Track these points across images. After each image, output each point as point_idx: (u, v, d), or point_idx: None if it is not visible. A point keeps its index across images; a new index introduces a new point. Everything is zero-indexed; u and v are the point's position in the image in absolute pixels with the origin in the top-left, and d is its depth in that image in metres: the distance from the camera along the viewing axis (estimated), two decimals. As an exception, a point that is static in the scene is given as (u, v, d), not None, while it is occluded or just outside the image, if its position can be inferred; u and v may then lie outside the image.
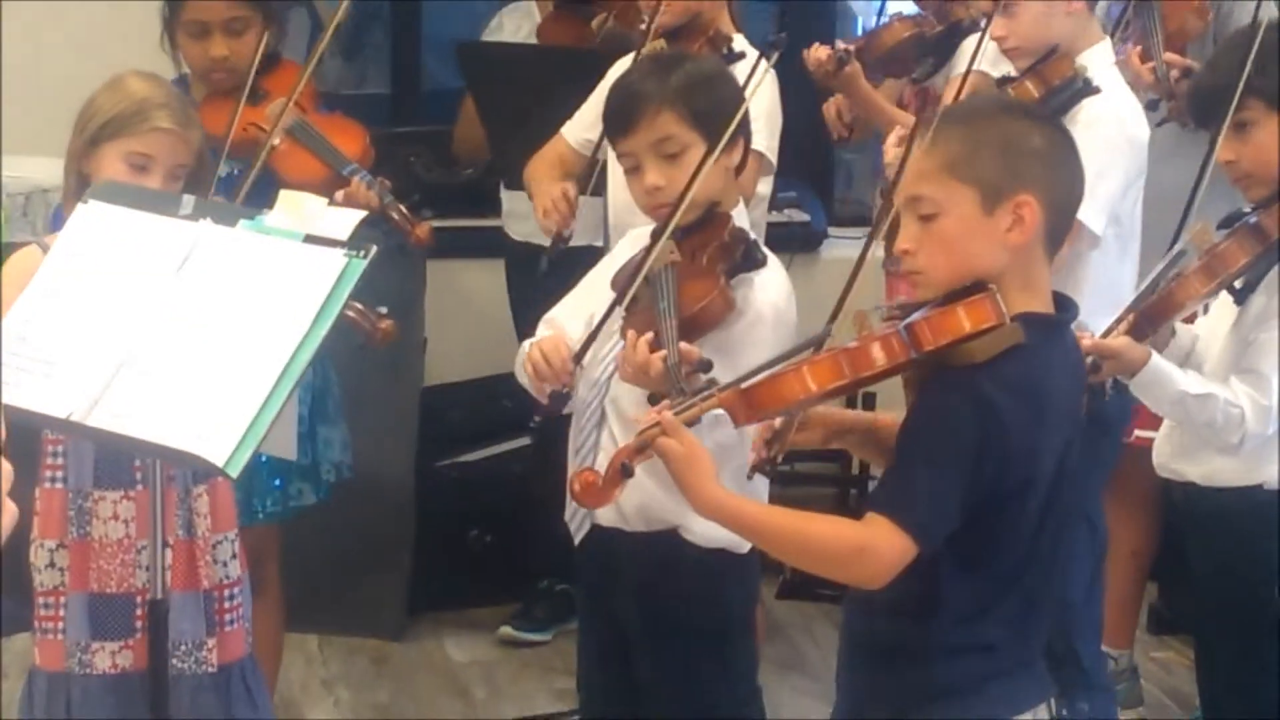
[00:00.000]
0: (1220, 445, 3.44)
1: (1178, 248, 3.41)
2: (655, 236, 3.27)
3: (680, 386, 3.02)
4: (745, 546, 3.21)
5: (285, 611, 4.22)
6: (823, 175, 6.28)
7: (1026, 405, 2.56)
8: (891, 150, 3.94)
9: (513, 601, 5.20)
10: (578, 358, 3.28)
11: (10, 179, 4.66)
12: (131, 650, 3.37)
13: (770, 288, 3.30)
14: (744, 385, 2.64)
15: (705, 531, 3.17)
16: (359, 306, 3.56)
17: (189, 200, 2.88)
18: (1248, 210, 3.44)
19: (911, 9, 4.83)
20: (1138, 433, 4.14)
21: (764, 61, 3.27)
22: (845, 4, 6.61)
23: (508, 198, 5.01)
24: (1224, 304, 3.49)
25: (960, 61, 4.37)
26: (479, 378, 5.38)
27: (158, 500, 3.01)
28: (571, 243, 4.13)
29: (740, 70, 3.54)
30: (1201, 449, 3.51)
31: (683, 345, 3.11)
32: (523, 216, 4.72)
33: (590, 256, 3.79)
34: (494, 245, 5.18)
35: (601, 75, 4.08)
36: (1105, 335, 3.34)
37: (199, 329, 2.70)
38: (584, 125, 4.18)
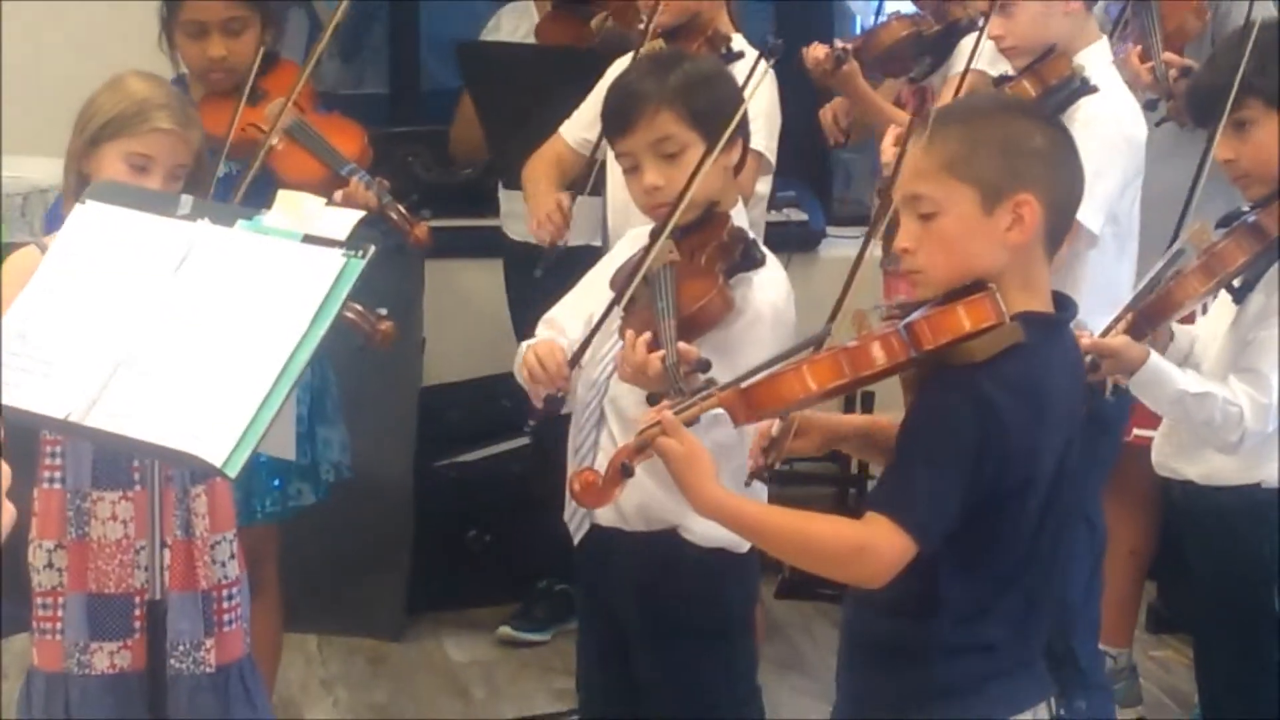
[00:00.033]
0: (1219, 444, 3.43)
1: (1176, 247, 3.41)
2: (654, 236, 3.26)
3: (679, 386, 3.01)
4: (745, 546, 3.21)
5: (284, 611, 4.21)
6: (821, 175, 6.28)
7: (1026, 405, 2.56)
8: (889, 150, 3.94)
9: (512, 601, 5.19)
10: (575, 359, 3.28)
11: (9, 179, 4.65)
12: (130, 650, 3.37)
13: (769, 287, 3.30)
14: (743, 385, 2.64)
15: (705, 531, 3.16)
16: (359, 308, 3.55)
17: (187, 200, 2.87)
18: (1246, 209, 3.44)
19: (909, 8, 4.83)
20: (1136, 431, 4.14)
21: (763, 62, 3.27)
22: (843, 3, 6.61)
23: (506, 197, 5.00)
24: (1223, 303, 3.49)
25: (958, 61, 4.37)
26: (477, 378, 5.38)
27: (156, 500, 3.01)
28: (570, 243, 4.13)
29: (739, 70, 3.53)
30: (1200, 448, 3.51)
31: (681, 345, 3.11)
32: (521, 216, 4.70)
33: (589, 256, 3.79)
34: (492, 245, 5.17)
35: (600, 75, 4.08)
36: (1104, 334, 3.34)
37: (197, 329, 2.70)
38: (582, 125, 4.18)
